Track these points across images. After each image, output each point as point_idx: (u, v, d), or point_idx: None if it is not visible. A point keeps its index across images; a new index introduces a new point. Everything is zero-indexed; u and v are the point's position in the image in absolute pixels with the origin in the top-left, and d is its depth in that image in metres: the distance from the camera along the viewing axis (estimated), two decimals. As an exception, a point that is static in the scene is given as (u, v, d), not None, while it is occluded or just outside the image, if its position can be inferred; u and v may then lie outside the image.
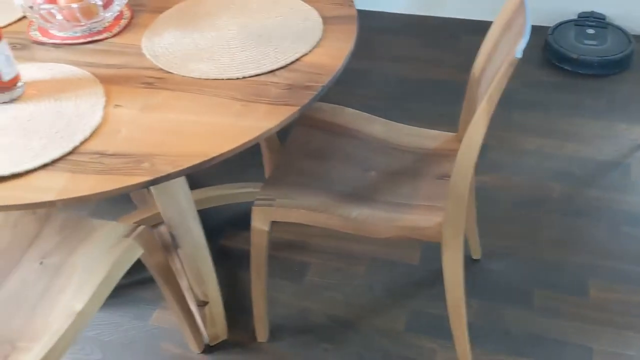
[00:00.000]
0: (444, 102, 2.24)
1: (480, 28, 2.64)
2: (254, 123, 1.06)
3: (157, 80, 1.17)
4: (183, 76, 1.17)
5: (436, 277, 1.67)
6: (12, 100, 1.12)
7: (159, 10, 1.38)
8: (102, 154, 1.01)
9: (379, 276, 1.68)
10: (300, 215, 1.28)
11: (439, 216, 1.25)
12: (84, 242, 1.23)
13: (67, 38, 1.27)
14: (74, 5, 1.20)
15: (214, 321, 1.48)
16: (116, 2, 1.28)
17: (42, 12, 1.21)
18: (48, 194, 0.95)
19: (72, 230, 1.26)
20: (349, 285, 1.66)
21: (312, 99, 1.11)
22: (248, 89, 1.14)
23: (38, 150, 1.01)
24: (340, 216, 1.27)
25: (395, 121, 1.50)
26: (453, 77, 2.36)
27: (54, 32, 1.29)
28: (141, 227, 1.24)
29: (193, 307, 1.45)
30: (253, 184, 1.85)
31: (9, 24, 1.35)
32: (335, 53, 1.22)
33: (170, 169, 0.98)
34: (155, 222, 1.75)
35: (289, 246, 1.77)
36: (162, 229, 1.70)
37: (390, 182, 1.35)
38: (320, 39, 1.25)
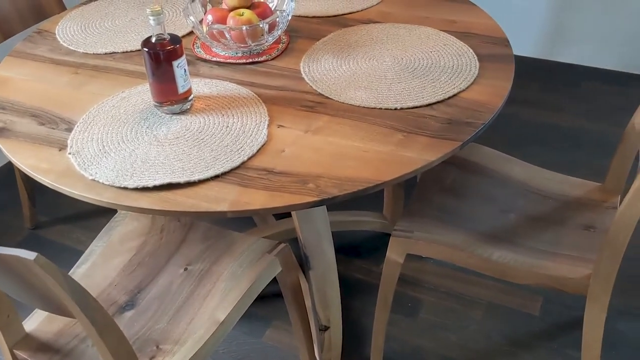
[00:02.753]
0: (566, 149, 2.17)
1: (600, 76, 2.58)
2: (415, 154, 1.07)
3: (317, 105, 1.20)
4: (342, 102, 1.20)
5: (557, 331, 1.59)
6: (181, 112, 1.18)
7: (313, 37, 1.42)
8: (269, 171, 1.04)
9: (496, 322, 1.62)
10: (439, 251, 1.27)
11: (587, 268, 1.20)
12: (226, 253, 1.26)
13: (229, 57, 1.33)
14: (245, 27, 1.26)
15: (331, 347, 1.48)
16: (278, 27, 1.33)
17: (213, 31, 1.27)
18: (221, 204, 0.99)
19: (214, 240, 1.30)
20: (465, 327, 1.62)
21: (473, 136, 1.11)
22: (407, 120, 1.15)
23: (209, 162, 1.06)
24: (481, 257, 1.24)
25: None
26: (573, 124, 2.29)
27: (217, 50, 1.35)
28: (282, 245, 1.26)
29: (313, 330, 1.45)
30: (370, 213, 1.86)
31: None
32: (494, 91, 1.21)
33: (336, 192, 1.00)
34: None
35: (401, 281, 1.75)
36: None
37: (530, 226, 1.32)
38: (477, 76, 1.25)
